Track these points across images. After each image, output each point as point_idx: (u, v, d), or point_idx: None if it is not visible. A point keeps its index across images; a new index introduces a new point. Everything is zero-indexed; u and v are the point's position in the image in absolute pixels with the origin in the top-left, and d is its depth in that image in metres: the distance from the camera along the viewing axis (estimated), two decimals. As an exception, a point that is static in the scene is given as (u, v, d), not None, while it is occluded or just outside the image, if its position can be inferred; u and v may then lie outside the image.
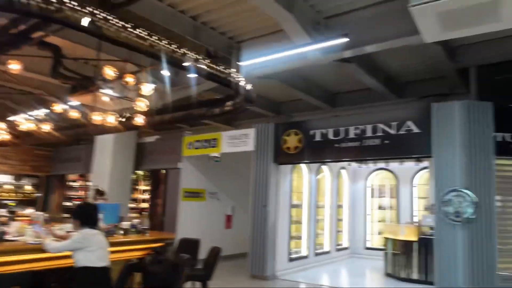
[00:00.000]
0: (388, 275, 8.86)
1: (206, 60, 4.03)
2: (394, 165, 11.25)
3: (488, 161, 6.58)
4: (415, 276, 8.25)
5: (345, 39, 5.81)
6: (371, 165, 11.71)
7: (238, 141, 8.87)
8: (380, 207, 12.02)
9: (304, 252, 9.49)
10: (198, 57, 3.90)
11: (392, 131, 7.28)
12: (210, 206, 10.50)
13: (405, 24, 5.83)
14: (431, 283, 7.40)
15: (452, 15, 3.84)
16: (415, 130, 7.06)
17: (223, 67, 4.68)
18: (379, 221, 11.84)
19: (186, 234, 8.53)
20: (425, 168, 10.30)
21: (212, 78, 4.71)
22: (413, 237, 8.36)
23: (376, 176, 12.12)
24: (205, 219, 10.28)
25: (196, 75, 4.84)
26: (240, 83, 5.17)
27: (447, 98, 8.95)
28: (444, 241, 6.53)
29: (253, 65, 7.13)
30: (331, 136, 7.85)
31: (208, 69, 4.03)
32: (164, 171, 11.63)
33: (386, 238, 9.06)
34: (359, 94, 11.30)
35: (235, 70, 5.06)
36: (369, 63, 9.09)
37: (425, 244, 8.00)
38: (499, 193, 6.84)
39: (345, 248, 11.68)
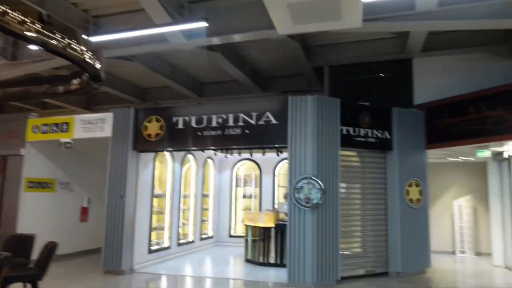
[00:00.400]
0: (248, 260, 9.15)
1: (36, 25, 3.43)
2: (257, 155, 11.68)
3: (335, 152, 7.21)
4: (272, 260, 8.67)
5: (205, 23, 5.68)
6: (236, 155, 11.96)
7: (94, 126, 8.10)
8: (244, 196, 12.40)
9: (166, 243, 9.21)
10: (25, 19, 3.29)
11: (253, 121, 7.46)
12: (61, 198, 9.44)
13: (267, 17, 5.96)
14: (285, 265, 7.86)
15: (301, 8, 4.00)
16: (273, 121, 7.36)
17: (67, 39, 4.10)
18: (244, 210, 12.21)
19: (30, 229, 7.50)
20: (285, 159, 10.91)
21: (50, 50, 4.09)
22: (271, 224, 8.76)
23: (242, 166, 12.45)
24: (56, 212, 9.21)
25: (38, 47, 4.14)
26: (88, 60, 4.62)
27: (305, 94, 9.61)
28: (295, 225, 6.96)
29: (111, 43, 6.54)
30: (193, 124, 7.70)
31: (37, 35, 3.44)
32: (0, 159, 9.98)
33: (247, 226, 9.34)
34: (226, 85, 11.42)
35: (83, 45, 4.50)
36: (235, 54, 9.21)
37: (282, 229, 8.45)
38: (343, 180, 7.57)
39: (210, 237, 11.74)
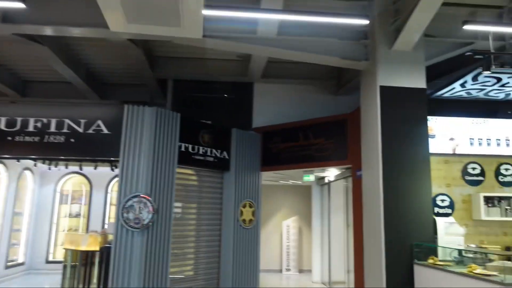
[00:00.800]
0: (64, 290, 7.91)
1: None
2: (88, 169, 10.46)
3: (171, 169, 6.83)
4: (94, 286, 7.66)
5: (21, 4, 4.73)
6: (62, 168, 10.49)
7: None
8: (70, 215, 10.92)
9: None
10: None
11: (80, 129, 6.57)
12: None
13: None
14: (106, 294, 7.00)
15: (135, 6, 3.61)
16: (105, 131, 6.62)
17: None
18: (69, 230, 10.70)
19: None
20: (120, 174, 10.03)
21: None
22: (95, 247, 7.79)
23: (69, 180, 10.99)
24: None
25: None
26: None
27: (147, 106, 9.07)
28: (121, 249, 6.26)
29: None
30: (3, 126, 6.37)
31: None
32: None
33: (66, 250, 8.11)
34: (58, 86, 10.03)
35: None
36: (69, 52, 8.13)
37: (108, 253, 7.56)
38: (178, 200, 7.23)
39: (20, 264, 9.89)
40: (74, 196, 11.01)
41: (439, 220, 5.74)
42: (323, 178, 9.69)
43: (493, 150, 6.53)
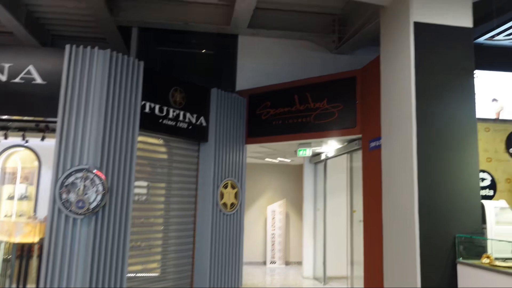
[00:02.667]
0: (-7, 291, 6.17)
1: None
2: (35, 141, 8.59)
3: (131, 136, 5.13)
4: (32, 286, 5.97)
5: None
6: (2, 140, 8.58)
7: None
8: (11, 197, 9.03)
9: None
10: None
11: (3, 77, 4.76)
12: None
13: None
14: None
15: None
16: (39, 80, 4.84)
17: None
18: (6, 216, 8.84)
19: None
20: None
21: None
22: (34, 238, 6.05)
23: (11, 155, 9.07)
24: None
25: None
26: None
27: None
28: (59, 241, 4.58)
29: None
30: None
31: None
32: None
33: (-3, 240, 6.34)
34: (-3, 37, 8.08)
35: None
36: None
37: (49, 244, 5.85)
38: (140, 177, 5.58)
39: None
40: (15, 174, 9.11)
41: (488, 205, 4.32)
42: (319, 154, 8.18)
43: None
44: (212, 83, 6.54)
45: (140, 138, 5.43)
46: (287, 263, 9.95)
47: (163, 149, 6.01)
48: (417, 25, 4.37)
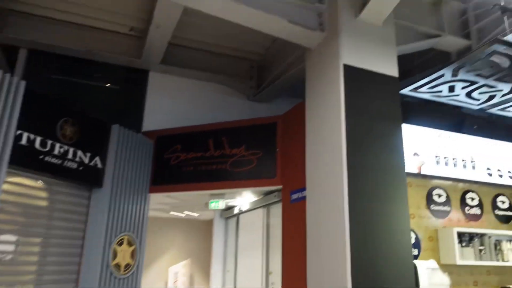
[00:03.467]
0: None
1: None
2: None
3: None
4: None
5: None
6: None
7: None
8: None
9: None
10: None
11: None
12: None
13: None
14: None
15: None
16: None
17: None
18: None
19: None
20: None
21: None
22: None
23: None
24: None
25: None
26: None
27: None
28: None
29: None
30: None
31: None
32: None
33: None
34: None
35: None
36: None
37: None
38: (5, 229, 4.26)
39: None
40: None
41: (420, 266, 3.96)
42: (231, 208, 7.45)
43: (460, 172, 5.16)
44: (114, 120, 5.59)
45: (9, 178, 4.21)
46: (189, 335, 8.67)
47: (42, 194, 4.77)
48: (347, 68, 4.12)
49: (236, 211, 7.24)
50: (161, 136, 6.15)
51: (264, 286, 6.03)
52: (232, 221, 7.72)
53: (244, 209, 6.88)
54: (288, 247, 4.97)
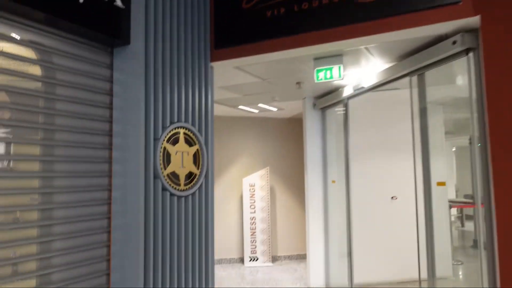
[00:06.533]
0: None
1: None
2: None
3: None
4: None
5: None
6: None
7: None
8: None
9: None
10: None
11: None
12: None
13: None
14: None
15: None
16: None
17: None
18: None
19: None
20: None
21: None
22: None
23: None
24: None
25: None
26: None
27: None
28: None
29: None
30: None
31: None
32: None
33: None
34: None
35: None
36: None
37: None
38: None
39: None
40: None
41: None
42: (336, 91, 4.96)
43: None
44: None
45: None
46: (274, 259, 6.88)
47: (33, 55, 2.51)
48: None
49: (347, 92, 4.71)
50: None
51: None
52: (331, 112, 5.29)
53: (368, 84, 4.30)
54: (501, 142, 2.46)
